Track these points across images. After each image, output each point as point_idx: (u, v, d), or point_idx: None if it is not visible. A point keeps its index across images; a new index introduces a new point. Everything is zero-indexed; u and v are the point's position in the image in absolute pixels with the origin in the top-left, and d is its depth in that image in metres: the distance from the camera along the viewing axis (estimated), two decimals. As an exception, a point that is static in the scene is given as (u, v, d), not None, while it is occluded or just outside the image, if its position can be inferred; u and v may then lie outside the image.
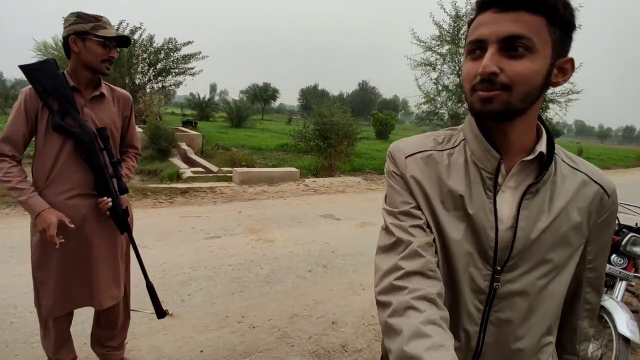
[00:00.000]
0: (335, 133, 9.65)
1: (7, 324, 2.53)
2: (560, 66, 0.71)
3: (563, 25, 0.69)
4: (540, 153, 0.74)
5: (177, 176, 8.40)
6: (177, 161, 10.96)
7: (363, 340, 2.68)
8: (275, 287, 3.35)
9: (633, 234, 2.39)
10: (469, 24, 0.75)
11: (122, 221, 1.85)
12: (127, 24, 19.47)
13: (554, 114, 13.30)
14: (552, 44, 0.68)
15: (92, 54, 1.69)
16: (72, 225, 1.70)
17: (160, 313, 2.04)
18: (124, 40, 1.82)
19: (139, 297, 2.99)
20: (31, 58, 20.94)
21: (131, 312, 2.22)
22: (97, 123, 1.76)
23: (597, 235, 0.81)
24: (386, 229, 0.79)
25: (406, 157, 0.83)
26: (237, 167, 8.94)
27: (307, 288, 3.39)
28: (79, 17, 1.69)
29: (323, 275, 3.67)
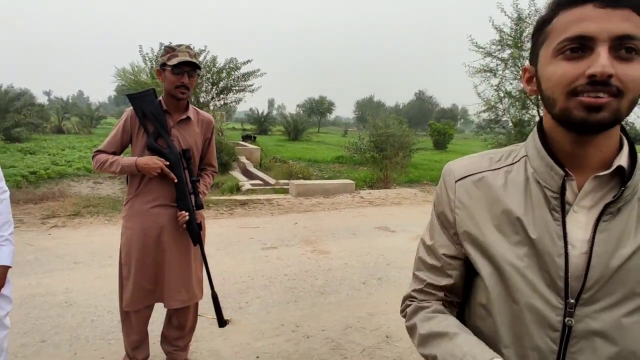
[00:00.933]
0: (391, 144, 9.56)
1: (89, 321, 2.80)
2: None
3: None
4: (620, 167, 0.64)
5: (237, 188, 8.79)
6: (237, 174, 11.48)
7: (417, 356, 2.61)
8: (329, 298, 3.38)
9: None
10: (544, 21, 0.67)
11: (196, 234, 2.07)
12: (193, 47, 20.98)
13: (635, 117, 12.08)
14: None
15: (168, 81, 1.92)
16: (168, 163, 1.91)
17: (222, 322, 2.21)
18: (192, 65, 1.96)
19: (201, 302, 3.18)
20: (111, 83, 23.17)
21: (196, 317, 2.38)
22: (182, 143, 2.00)
23: None
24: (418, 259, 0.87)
25: (457, 181, 0.79)
26: (293, 179, 9.17)
27: (361, 300, 3.38)
28: (164, 50, 1.93)
29: (377, 287, 3.64)
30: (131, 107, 1.96)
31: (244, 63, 22.01)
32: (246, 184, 9.34)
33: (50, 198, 6.43)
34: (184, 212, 1.97)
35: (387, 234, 5.38)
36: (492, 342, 0.72)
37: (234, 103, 23.59)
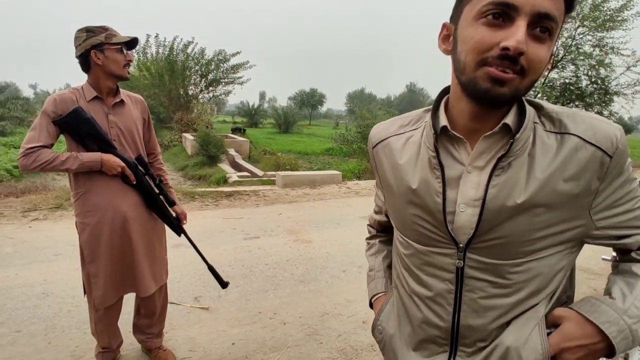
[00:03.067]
0: (378, 135, 9.59)
1: (65, 312, 2.80)
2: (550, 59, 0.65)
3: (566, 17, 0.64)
4: (505, 125, 0.67)
5: (224, 180, 8.78)
6: (225, 166, 11.44)
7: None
8: (309, 286, 3.41)
9: None
10: None
11: (176, 227, 2.16)
12: (182, 39, 20.77)
13: (619, 107, 12.23)
14: (558, 34, 0.64)
15: (113, 62, 1.80)
16: (129, 172, 1.87)
17: (223, 284, 2.45)
18: (134, 43, 1.88)
19: (179, 291, 3.19)
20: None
21: (170, 305, 2.39)
22: (122, 128, 1.90)
23: (606, 202, 0.69)
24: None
25: (373, 148, 0.88)
26: (281, 171, 9.17)
27: (341, 287, 3.41)
28: (90, 32, 1.77)
29: (357, 275, 3.68)
30: (55, 97, 1.81)
31: (233, 55, 22.04)
32: (233, 175, 9.32)
33: (33, 191, 6.36)
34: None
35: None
36: (407, 282, 0.84)
37: (223, 95, 23.63)
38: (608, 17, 11.38)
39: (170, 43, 20.65)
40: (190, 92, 21.50)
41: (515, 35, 0.58)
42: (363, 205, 6.57)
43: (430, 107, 0.80)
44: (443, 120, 0.73)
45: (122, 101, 1.94)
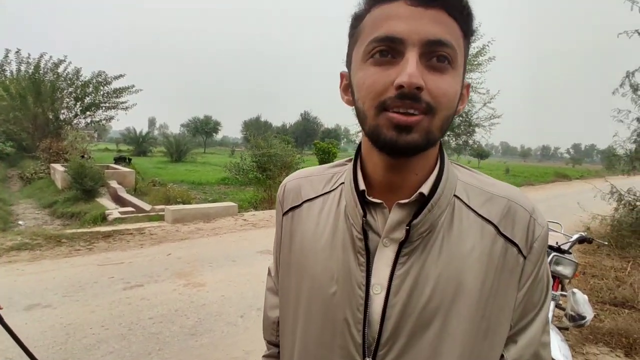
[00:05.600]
0: (274, 164, 9.50)
1: None
2: (461, 91, 0.56)
3: (469, 41, 0.56)
4: (420, 195, 0.57)
5: (102, 218, 7.70)
6: (105, 201, 10.12)
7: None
8: (201, 340, 3.01)
9: (555, 253, 2.42)
10: (357, 17, 0.57)
11: None
12: (50, 57, 18.38)
13: (480, 137, 14.23)
14: (464, 60, 0.55)
15: None
16: None
17: None
18: None
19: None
20: None
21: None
22: None
23: (521, 304, 0.60)
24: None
25: (283, 214, 0.73)
26: (171, 204, 8.42)
27: (238, 337, 3.09)
28: None
29: (256, 319, 3.39)
30: None
31: (116, 78, 20.25)
32: (114, 212, 8.25)
33: None
34: None
35: (270, 257, 5.16)
36: None
37: (104, 121, 21.32)
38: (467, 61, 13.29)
39: (35, 60, 18.07)
40: (62, 117, 18.92)
41: (406, 69, 0.49)
42: (261, 237, 6.30)
43: (349, 159, 0.69)
44: (361, 184, 0.61)
45: None
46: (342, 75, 0.64)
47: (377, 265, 0.58)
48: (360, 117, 0.56)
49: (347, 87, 0.61)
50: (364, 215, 0.59)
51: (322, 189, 0.69)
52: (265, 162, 9.46)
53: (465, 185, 0.62)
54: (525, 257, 0.58)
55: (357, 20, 0.57)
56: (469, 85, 0.61)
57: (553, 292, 2.38)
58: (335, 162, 0.74)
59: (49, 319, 3.17)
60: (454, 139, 12.83)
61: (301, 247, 0.67)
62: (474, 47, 13.23)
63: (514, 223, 0.58)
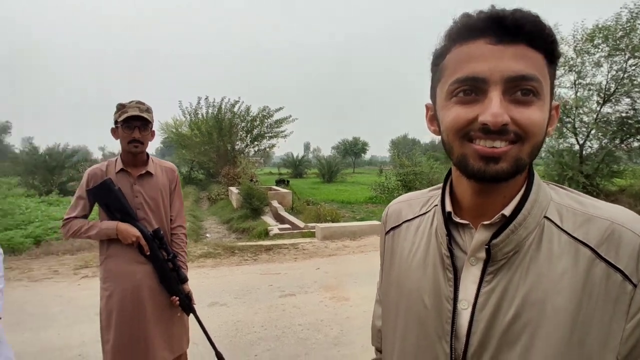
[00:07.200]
0: (420, 182, 9.37)
1: (96, 377, 2.79)
2: (550, 113, 0.58)
3: (555, 65, 0.58)
4: (503, 216, 0.58)
5: (265, 233, 8.83)
6: (268, 219, 11.58)
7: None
8: (343, 350, 3.19)
9: None
10: (438, 56, 0.60)
11: (187, 306, 2.06)
12: (229, 99, 22.30)
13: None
14: (551, 88, 0.57)
15: (122, 138, 1.92)
16: (144, 242, 1.90)
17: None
18: (142, 119, 1.93)
19: (202, 355, 3.10)
20: (158, 136, 24.83)
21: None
22: (146, 196, 1.98)
23: (632, 336, 0.53)
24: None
25: (386, 233, 0.81)
26: (321, 222, 9.11)
27: (377, 352, 3.16)
28: (116, 107, 1.94)
29: (397, 338, 3.40)
30: (89, 171, 1.98)
31: (277, 110, 23.16)
32: (275, 228, 9.37)
33: (87, 249, 6.73)
34: (174, 297, 1.97)
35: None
36: None
37: (268, 148, 24.57)
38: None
39: (218, 103, 22.20)
40: (236, 147, 22.66)
41: (490, 108, 0.52)
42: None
43: (441, 185, 0.74)
44: (448, 205, 0.66)
45: (148, 172, 2.02)
46: (427, 107, 0.68)
47: (464, 282, 0.62)
48: (447, 148, 0.60)
49: (433, 118, 0.66)
50: (448, 234, 0.64)
51: (419, 210, 0.75)
52: (410, 180, 9.42)
53: (560, 206, 0.61)
54: (635, 285, 0.53)
55: (439, 58, 0.60)
56: (557, 106, 0.60)
57: None
58: (434, 186, 0.79)
59: (224, 315, 3.83)
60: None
61: (399, 263, 0.74)
62: None
63: (618, 247, 0.55)
